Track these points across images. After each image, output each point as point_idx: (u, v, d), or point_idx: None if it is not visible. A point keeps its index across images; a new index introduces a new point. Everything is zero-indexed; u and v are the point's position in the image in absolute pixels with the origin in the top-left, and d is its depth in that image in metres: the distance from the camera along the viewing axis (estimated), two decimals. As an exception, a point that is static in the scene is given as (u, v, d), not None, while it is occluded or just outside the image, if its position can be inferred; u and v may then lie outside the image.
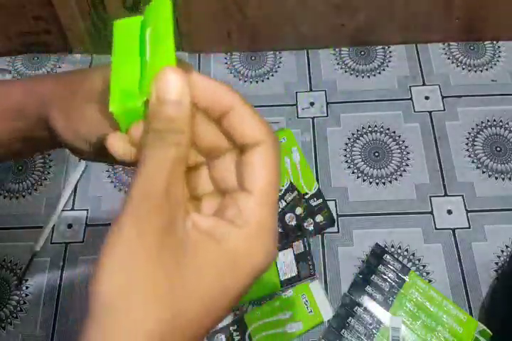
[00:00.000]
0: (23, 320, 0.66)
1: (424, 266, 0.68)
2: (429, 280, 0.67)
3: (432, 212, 0.71)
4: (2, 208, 0.73)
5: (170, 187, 0.22)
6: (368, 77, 0.83)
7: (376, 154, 0.76)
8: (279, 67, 0.85)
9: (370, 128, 0.78)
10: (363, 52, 0.85)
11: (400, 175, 0.74)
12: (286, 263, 0.65)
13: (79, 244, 0.70)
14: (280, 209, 0.67)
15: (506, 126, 0.77)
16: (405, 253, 0.69)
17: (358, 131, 0.78)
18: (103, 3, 0.76)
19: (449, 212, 0.71)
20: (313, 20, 0.80)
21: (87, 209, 0.73)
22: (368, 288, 0.65)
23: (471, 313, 0.65)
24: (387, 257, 0.67)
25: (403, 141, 0.77)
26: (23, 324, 0.66)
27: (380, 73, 0.83)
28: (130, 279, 0.20)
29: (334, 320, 0.63)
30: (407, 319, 0.63)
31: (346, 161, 0.76)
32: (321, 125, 0.79)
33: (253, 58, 0.86)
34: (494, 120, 0.78)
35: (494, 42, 0.85)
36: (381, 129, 0.78)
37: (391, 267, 0.66)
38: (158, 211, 0.21)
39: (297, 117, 0.79)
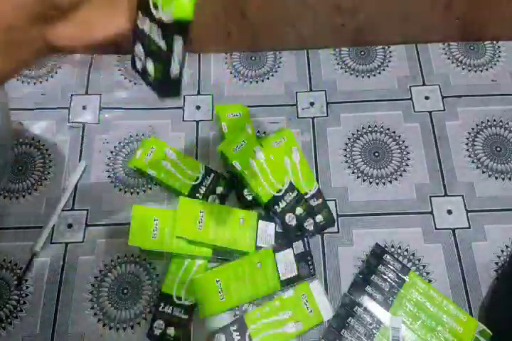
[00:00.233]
0: (23, 320, 0.66)
1: (424, 266, 0.68)
2: (429, 280, 0.67)
3: (432, 212, 0.71)
4: (2, 208, 0.73)
5: None
6: (368, 77, 0.83)
7: (376, 154, 0.76)
8: (279, 67, 0.85)
9: (370, 128, 0.78)
10: (363, 52, 0.85)
11: (400, 175, 0.74)
12: (286, 263, 0.65)
13: (79, 244, 0.71)
14: (280, 209, 0.67)
15: (506, 126, 0.77)
16: (405, 253, 0.69)
17: (358, 131, 0.78)
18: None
19: (449, 212, 0.71)
20: (313, 20, 0.80)
21: (87, 209, 0.73)
22: (368, 288, 0.65)
23: (471, 313, 0.65)
24: (387, 257, 0.67)
25: (403, 141, 0.77)
26: (23, 324, 0.66)
27: (380, 73, 0.83)
28: None
29: (334, 320, 0.63)
30: (407, 319, 0.63)
31: (346, 161, 0.76)
32: (321, 125, 0.79)
33: (253, 58, 0.86)
34: (494, 120, 0.78)
35: (494, 42, 0.85)
36: (381, 129, 0.78)
37: (391, 267, 0.66)
38: None
39: (297, 117, 0.79)
